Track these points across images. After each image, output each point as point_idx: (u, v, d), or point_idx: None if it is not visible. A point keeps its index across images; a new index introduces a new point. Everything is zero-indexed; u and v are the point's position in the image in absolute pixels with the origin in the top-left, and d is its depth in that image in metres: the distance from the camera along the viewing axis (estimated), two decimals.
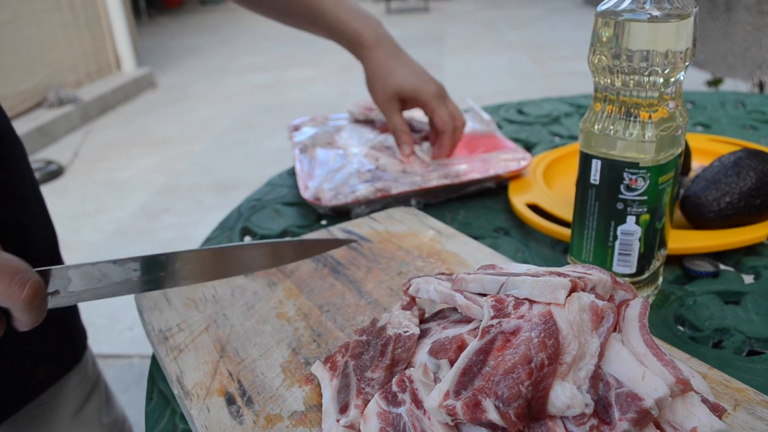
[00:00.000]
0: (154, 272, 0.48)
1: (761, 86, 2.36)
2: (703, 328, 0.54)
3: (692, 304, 0.57)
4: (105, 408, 0.85)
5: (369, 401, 0.38)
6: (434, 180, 0.79)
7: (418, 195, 0.79)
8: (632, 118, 0.47)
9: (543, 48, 6.18)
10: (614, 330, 0.37)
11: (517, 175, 0.83)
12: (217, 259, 0.50)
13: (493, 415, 0.31)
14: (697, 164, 0.81)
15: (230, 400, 0.43)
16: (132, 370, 1.93)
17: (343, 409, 0.38)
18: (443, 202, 0.81)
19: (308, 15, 0.85)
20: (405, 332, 0.40)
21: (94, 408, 0.83)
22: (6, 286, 0.40)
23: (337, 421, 0.37)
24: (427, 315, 0.47)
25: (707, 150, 0.86)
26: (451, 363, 0.35)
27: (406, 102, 0.85)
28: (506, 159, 0.83)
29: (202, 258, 0.50)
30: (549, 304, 0.35)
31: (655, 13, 0.44)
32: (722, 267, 0.63)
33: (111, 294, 0.48)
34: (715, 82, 2.48)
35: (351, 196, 0.76)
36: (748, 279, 0.62)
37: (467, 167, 0.82)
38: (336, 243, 0.62)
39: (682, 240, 0.63)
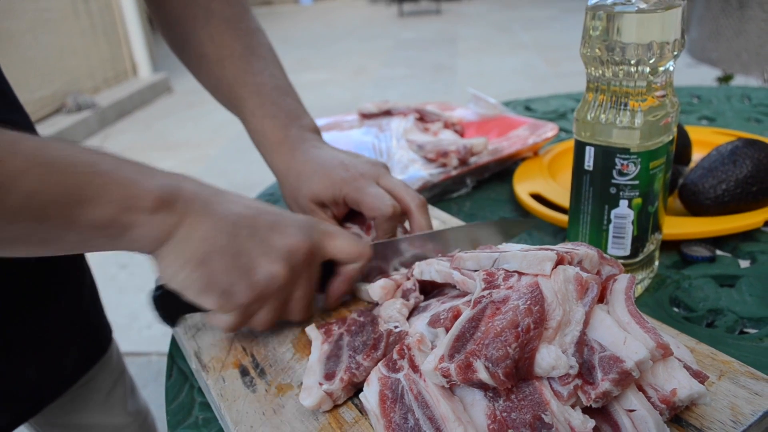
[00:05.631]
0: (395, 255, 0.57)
1: None
2: (697, 308, 0.56)
3: (688, 287, 0.59)
4: (130, 398, 0.89)
5: (353, 381, 0.41)
6: (485, 157, 0.86)
7: (473, 174, 0.85)
8: (622, 107, 0.50)
9: (556, 48, 6.18)
10: (601, 302, 0.40)
11: (529, 156, 0.89)
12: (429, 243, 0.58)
13: (483, 375, 0.33)
14: (698, 155, 0.83)
15: (244, 372, 0.46)
16: (151, 367, 1.97)
17: (329, 376, 0.42)
18: (461, 196, 0.84)
19: (229, 102, 0.72)
20: (395, 328, 0.44)
21: (120, 397, 0.86)
22: (354, 243, 0.52)
23: (320, 384, 0.41)
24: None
25: (709, 142, 0.87)
26: (447, 331, 0.38)
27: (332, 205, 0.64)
28: (537, 129, 0.91)
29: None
30: (536, 275, 0.37)
31: (642, 5, 0.47)
32: (719, 252, 0.65)
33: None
34: (725, 79, 2.47)
35: (418, 182, 0.80)
36: (744, 264, 0.63)
37: (507, 144, 0.90)
38: (525, 223, 0.66)
39: (679, 226, 0.65)
